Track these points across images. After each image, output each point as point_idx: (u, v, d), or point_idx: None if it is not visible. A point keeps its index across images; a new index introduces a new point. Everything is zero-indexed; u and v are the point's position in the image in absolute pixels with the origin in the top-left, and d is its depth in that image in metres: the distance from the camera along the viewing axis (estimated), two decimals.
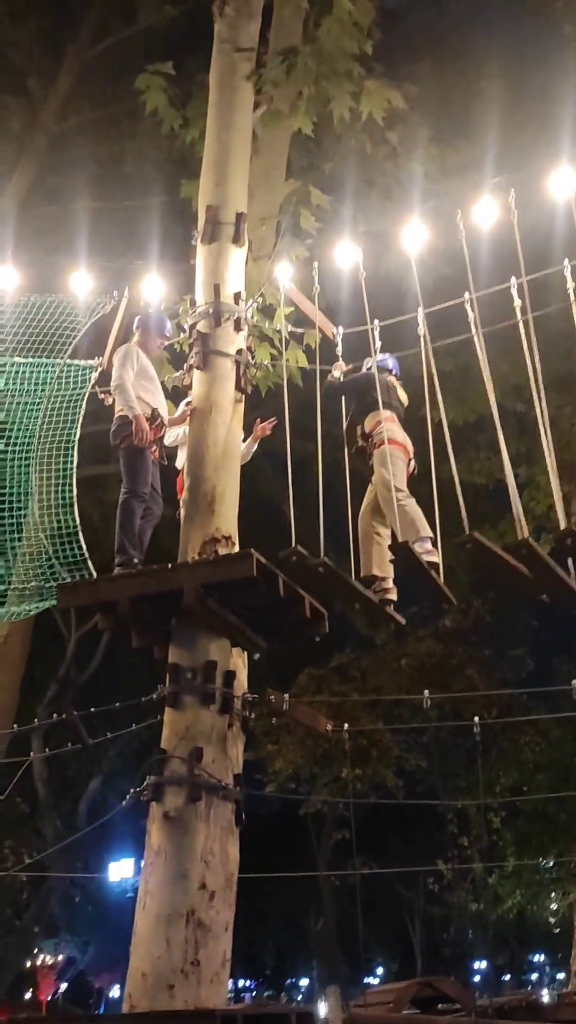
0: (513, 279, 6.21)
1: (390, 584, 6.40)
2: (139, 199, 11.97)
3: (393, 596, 6.42)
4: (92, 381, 7.21)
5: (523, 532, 5.57)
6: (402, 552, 5.73)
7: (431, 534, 6.23)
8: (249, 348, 6.82)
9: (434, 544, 6.22)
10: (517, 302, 6.12)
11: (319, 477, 6.02)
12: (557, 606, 6.22)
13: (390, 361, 7.16)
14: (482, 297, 6.65)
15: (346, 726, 7.05)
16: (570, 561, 5.64)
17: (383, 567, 6.42)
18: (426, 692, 6.82)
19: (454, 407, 11.51)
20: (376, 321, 7.02)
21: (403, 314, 6.87)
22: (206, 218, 6.87)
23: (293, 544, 5.62)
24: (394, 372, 7.14)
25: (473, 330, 6.19)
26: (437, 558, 6.15)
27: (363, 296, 6.68)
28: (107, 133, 12.74)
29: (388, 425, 6.60)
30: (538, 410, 5.92)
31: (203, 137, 7.45)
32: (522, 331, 5.99)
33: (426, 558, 6.00)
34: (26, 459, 7.13)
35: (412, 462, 6.80)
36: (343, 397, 6.97)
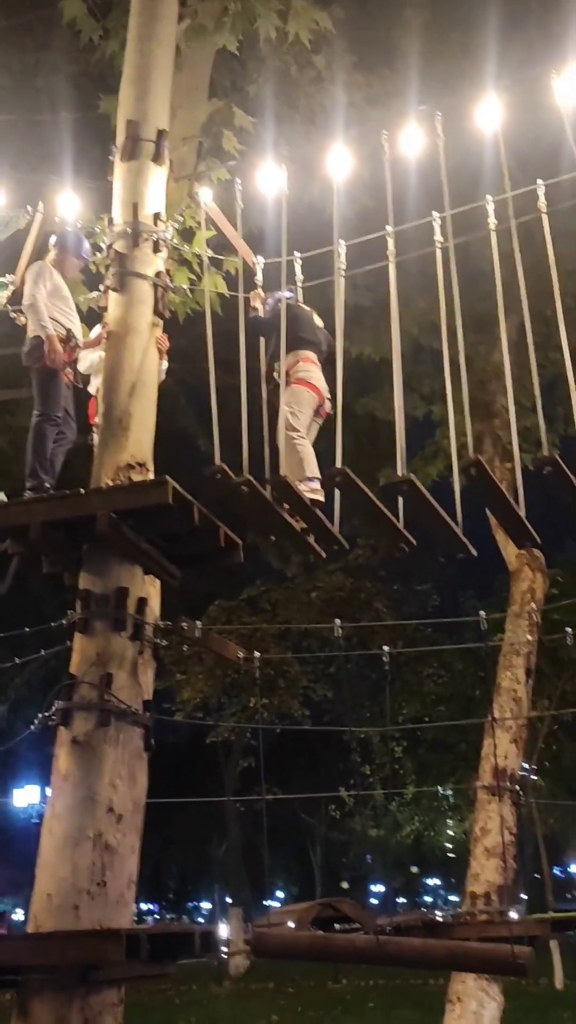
0: (435, 213, 6.18)
1: (317, 485, 6.38)
2: (55, 113, 11.52)
3: (321, 497, 6.40)
4: (3, 300, 6.98)
5: (403, 469, 5.60)
6: (280, 487, 5.64)
7: (318, 475, 6.20)
8: (168, 271, 6.67)
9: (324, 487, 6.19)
10: (439, 240, 6.09)
11: (243, 410, 5.92)
12: (440, 551, 6.29)
13: (298, 294, 7.08)
14: (406, 233, 6.61)
15: (257, 654, 7.11)
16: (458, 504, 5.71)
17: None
18: (337, 621, 6.87)
19: (371, 342, 11.52)
20: (296, 253, 6.93)
21: (326, 244, 6.78)
22: (126, 134, 6.63)
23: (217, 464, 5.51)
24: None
25: (390, 264, 6.14)
26: (321, 497, 6.12)
27: (285, 224, 6.57)
28: (20, 43, 12.17)
29: (304, 365, 6.55)
30: (445, 348, 5.96)
31: (124, 50, 7.17)
32: (439, 264, 5.97)
33: (309, 495, 5.96)
34: None
35: (327, 404, 6.73)
36: (265, 332, 6.88)
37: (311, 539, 6.30)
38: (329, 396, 6.70)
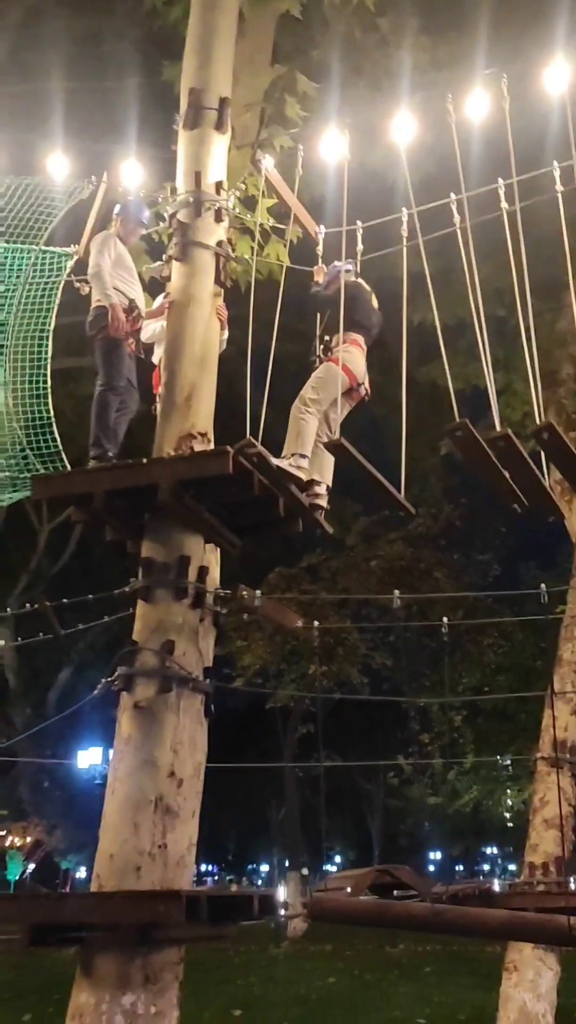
0: (500, 180, 6.07)
1: (323, 490, 6.37)
2: (119, 80, 11.52)
3: (323, 503, 6.37)
4: (68, 269, 7.04)
5: (502, 427, 5.51)
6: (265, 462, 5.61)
7: (307, 454, 6.17)
8: (230, 240, 6.66)
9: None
10: (505, 206, 5.99)
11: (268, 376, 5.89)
12: (532, 512, 6.21)
13: (350, 267, 6.99)
14: (471, 199, 6.50)
15: (315, 623, 7.14)
16: (544, 462, 5.65)
17: (323, 474, 6.40)
18: (396, 592, 6.88)
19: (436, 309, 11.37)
20: (358, 222, 6.85)
21: (389, 212, 6.70)
22: (188, 102, 6.62)
23: (247, 436, 5.51)
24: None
25: (458, 231, 6.06)
26: (302, 474, 6.06)
27: (349, 191, 6.50)
28: (85, 8, 12.17)
29: (347, 347, 6.47)
30: (519, 313, 5.86)
31: (187, 17, 7.13)
32: (507, 230, 5.88)
33: (287, 467, 5.88)
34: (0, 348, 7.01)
35: (362, 389, 6.63)
36: (322, 308, 6.83)
37: (319, 515, 6.30)
38: (363, 381, 6.59)
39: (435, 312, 6.09)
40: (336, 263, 6.92)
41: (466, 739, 24.73)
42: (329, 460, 6.40)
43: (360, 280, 6.89)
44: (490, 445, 5.41)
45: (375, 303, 6.90)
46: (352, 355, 6.49)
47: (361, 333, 6.61)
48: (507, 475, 5.60)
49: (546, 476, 5.74)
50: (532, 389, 5.76)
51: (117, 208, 6.81)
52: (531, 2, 10.03)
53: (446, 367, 6.09)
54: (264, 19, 7.63)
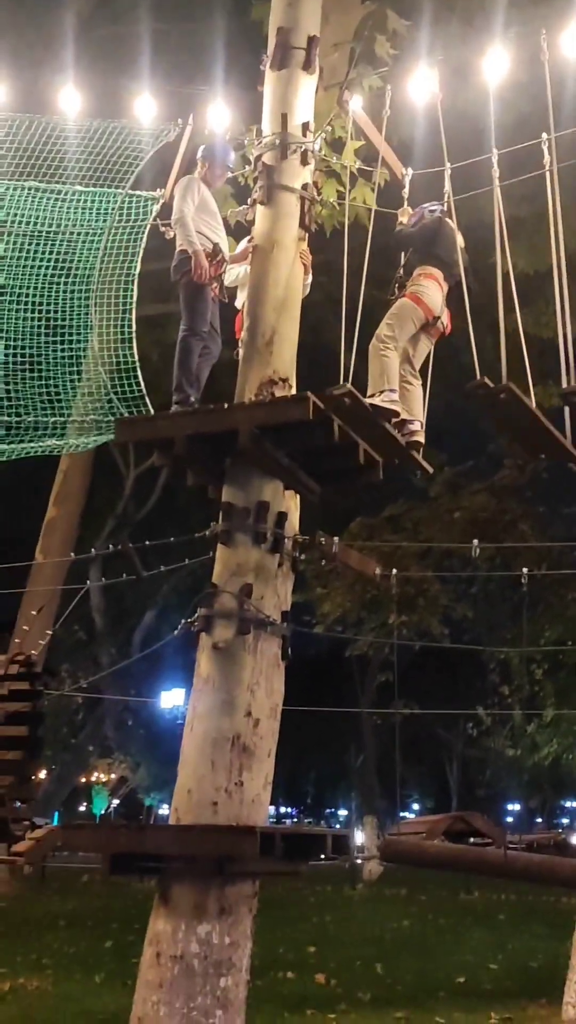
0: None
1: (417, 427, 6.31)
2: (207, 21, 11.41)
3: (420, 439, 6.32)
4: (154, 213, 7.06)
5: (571, 381, 5.43)
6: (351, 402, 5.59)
7: (395, 387, 6.09)
8: (315, 183, 6.59)
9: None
10: None
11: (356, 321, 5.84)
12: None
13: (437, 206, 6.86)
14: (565, 141, 6.30)
15: (395, 571, 7.14)
16: None
17: (413, 411, 6.34)
18: (475, 541, 6.84)
19: (526, 256, 11.11)
20: (448, 164, 6.70)
21: (479, 154, 6.54)
22: (276, 42, 6.52)
23: (342, 381, 5.51)
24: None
25: (547, 173, 5.89)
26: (396, 407, 6.00)
27: (437, 133, 6.37)
28: None
29: (424, 281, 6.37)
30: None
31: None
32: None
33: (380, 403, 5.85)
34: (86, 292, 7.08)
35: (440, 323, 6.51)
36: (407, 246, 6.74)
37: (417, 455, 6.24)
38: (439, 315, 6.46)
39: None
40: (424, 204, 6.81)
41: (546, 692, 24.56)
42: (418, 397, 6.35)
43: (447, 219, 6.77)
44: (564, 399, 5.35)
45: (461, 242, 6.76)
46: (427, 288, 6.38)
47: (439, 267, 6.48)
48: (558, 433, 5.53)
49: None
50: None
51: (201, 150, 6.78)
52: None
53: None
54: None
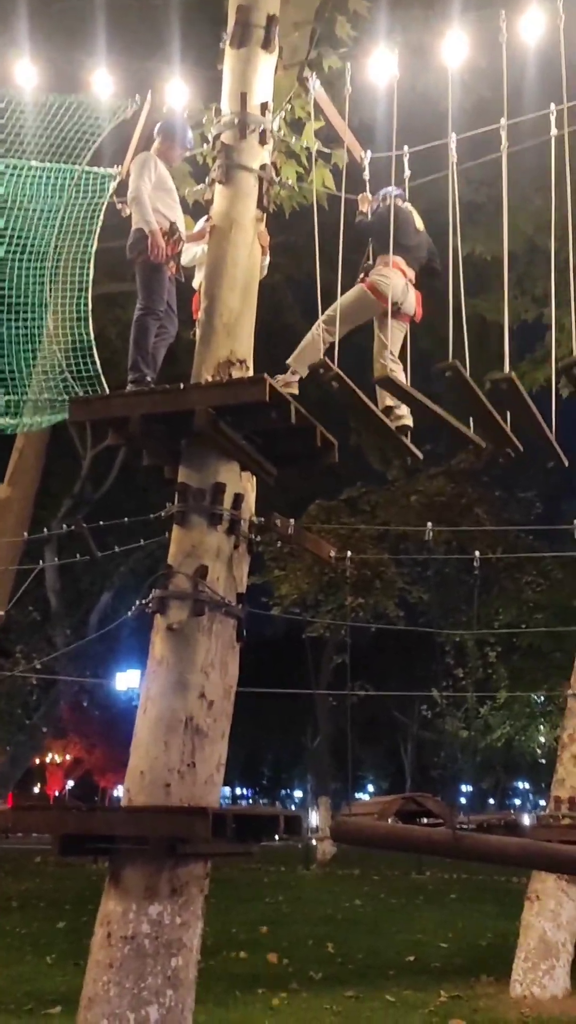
0: (552, 105, 5.90)
1: (404, 411, 6.34)
2: None
3: (408, 422, 6.36)
4: (111, 191, 6.98)
5: (507, 367, 5.50)
6: (384, 383, 5.57)
7: (299, 370, 6.18)
8: (274, 164, 6.55)
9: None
10: (555, 132, 5.83)
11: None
12: (537, 456, 6.19)
13: (398, 191, 6.85)
14: (524, 127, 6.32)
15: (350, 554, 7.18)
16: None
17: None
18: (429, 524, 6.88)
19: (484, 241, 11.16)
20: (406, 147, 6.69)
21: (438, 137, 6.53)
22: (236, 20, 6.45)
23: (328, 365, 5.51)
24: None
25: (503, 157, 5.91)
26: (292, 388, 6.04)
27: (398, 115, 6.35)
28: None
29: (383, 270, 6.37)
30: (552, 251, 5.76)
31: None
32: (552, 163, 5.73)
33: (274, 382, 5.85)
34: (41, 269, 6.99)
35: (406, 307, 6.51)
36: (367, 235, 6.73)
37: (407, 440, 6.29)
38: (400, 301, 6.46)
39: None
40: (384, 189, 6.80)
41: (500, 675, 24.84)
42: (402, 382, 6.36)
43: (407, 204, 6.76)
44: (494, 387, 5.41)
45: (420, 225, 6.76)
46: (386, 276, 6.39)
47: (401, 255, 6.49)
48: (499, 418, 5.60)
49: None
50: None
51: (159, 127, 6.70)
52: None
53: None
54: None
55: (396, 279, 6.42)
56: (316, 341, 6.17)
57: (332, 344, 6.11)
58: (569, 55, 5.96)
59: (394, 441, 6.24)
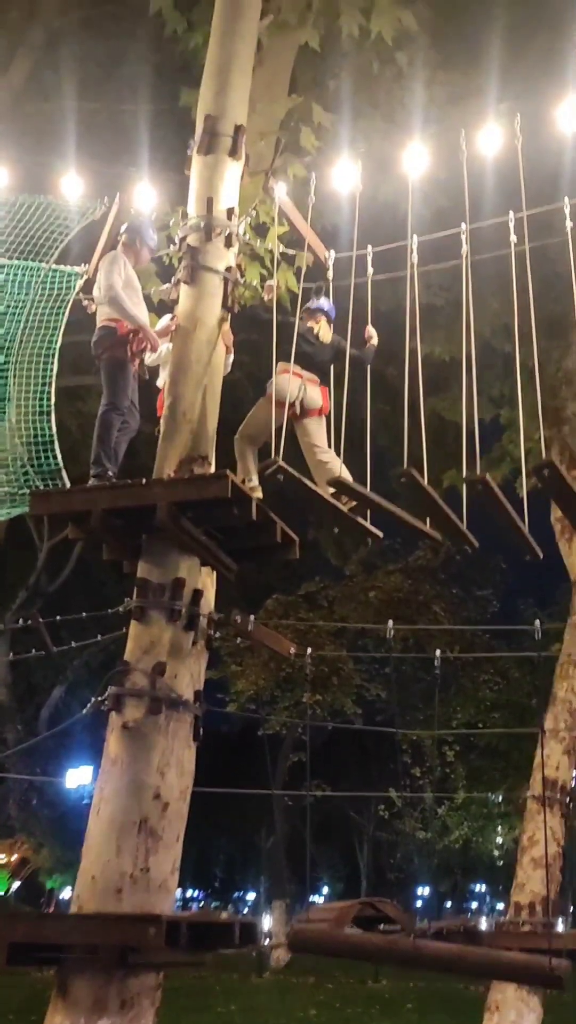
0: (511, 213, 6.12)
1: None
2: (136, 103, 11.64)
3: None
4: (77, 288, 7.07)
5: (477, 468, 5.65)
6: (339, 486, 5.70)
7: (252, 478, 6.33)
8: (239, 266, 6.69)
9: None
10: (513, 239, 6.04)
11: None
12: (512, 551, 6.31)
13: (324, 304, 7.02)
14: (482, 232, 6.54)
15: (309, 650, 7.12)
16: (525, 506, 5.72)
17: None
18: (390, 622, 6.87)
19: (442, 342, 11.43)
20: (369, 247, 6.88)
21: (400, 243, 6.74)
22: (204, 128, 6.67)
23: (274, 456, 5.58)
24: (328, 314, 6.98)
25: (463, 262, 6.10)
26: (257, 493, 6.14)
27: (360, 221, 6.54)
28: (108, 32, 12.32)
29: (276, 378, 6.49)
30: (517, 353, 5.93)
31: (206, 43, 7.20)
32: (513, 269, 5.92)
33: (246, 490, 5.90)
34: (5, 364, 7.02)
35: (306, 405, 6.64)
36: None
37: (363, 520, 6.31)
38: (292, 400, 6.55)
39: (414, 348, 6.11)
40: (312, 302, 6.98)
41: (458, 775, 24.57)
42: (335, 468, 6.44)
43: (323, 317, 6.87)
44: (471, 488, 5.56)
45: (325, 338, 6.83)
46: (276, 383, 6.50)
47: (297, 361, 6.54)
48: (454, 517, 5.73)
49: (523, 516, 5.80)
50: (521, 431, 5.80)
51: (125, 229, 6.83)
52: (545, 40, 10.15)
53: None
54: (283, 49, 7.71)
55: (285, 383, 6.51)
56: (244, 455, 6.40)
57: (268, 442, 6.19)
58: (525, 168, 6.21)
59: (349, 523, 6.25)
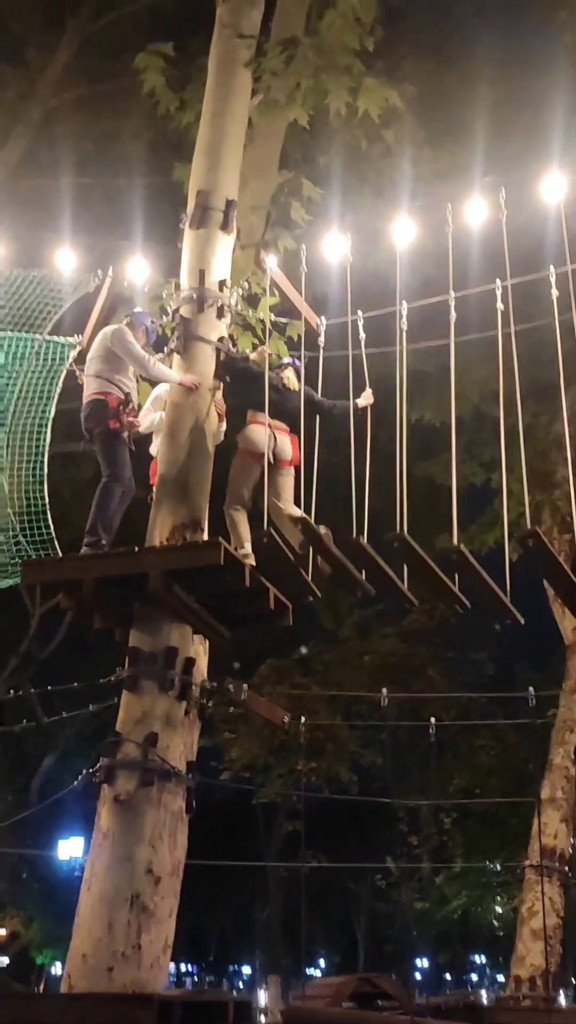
0: (498, 281, 6.24)
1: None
2: (130, 178, 11.89)
3: (349, 566, 6.35)
4: (71, 359, 7.14)
5: (455, 538, 5.70)
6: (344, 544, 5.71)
7: (244, 545, 6.21)
8: (231, 336, 6.79)
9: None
10: (500, 306, 6.15)
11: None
12: (488, 617, 6.32)
13: (291, 359, 7.10)
14: (470, 301, 6.66)
15: (303, 719, 7.06)
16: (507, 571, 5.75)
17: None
18: (384, 690, 6.84)
19: (433, 408, 11.55)
20: (360, 312, 6.97)
21: (390, 314, 6.83)
22: (196, 203, 6.83)
23: (267, 527, 5.61)
24: (294, 366, 7.01)
25: (451, 331, 6.21)
26: (249, 561, 6.03)
27: (350, 290, 6.66)
28: (102, 110, 12.64)
29: (245, 430, 6.54)
30: (501, 419, 6.03)
31: (199, 121, 7.40)
32: (499, 336, 6.01)
33: (239, 556, 5.90)
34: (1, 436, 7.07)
35: (277, 456, 6.59)
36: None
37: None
38: (261, 451, 6.46)
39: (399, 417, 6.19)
40: (285, 359, 7.06)
41: (455, 843, 24.18)
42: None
43: (291, 370, 6.91)
44: (445, 558, 5.59)
45: (293, 387, 6.84)
46: (247, 435, 6.51)
47: (262, 411, 6.55)
48: (447, 580, 5.73)
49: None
50: (503, 497, 5.84)
51: (127, 313, 6.89)
52: (528, 116, 10.42)
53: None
54: (273, 127, 7.90)
55: (255, 434, 6.50)
56: (235, 521, 6.30)
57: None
58: (510, 238, 6.34)
59: (348, 577, 6.19)
